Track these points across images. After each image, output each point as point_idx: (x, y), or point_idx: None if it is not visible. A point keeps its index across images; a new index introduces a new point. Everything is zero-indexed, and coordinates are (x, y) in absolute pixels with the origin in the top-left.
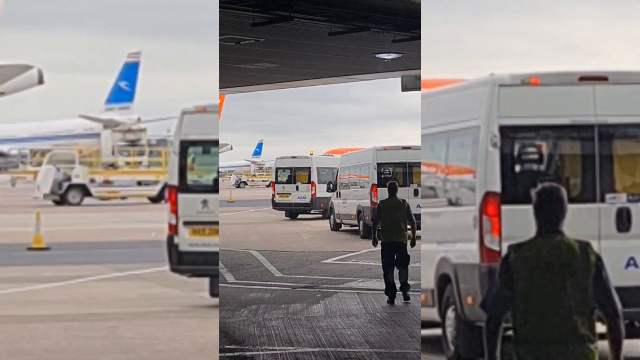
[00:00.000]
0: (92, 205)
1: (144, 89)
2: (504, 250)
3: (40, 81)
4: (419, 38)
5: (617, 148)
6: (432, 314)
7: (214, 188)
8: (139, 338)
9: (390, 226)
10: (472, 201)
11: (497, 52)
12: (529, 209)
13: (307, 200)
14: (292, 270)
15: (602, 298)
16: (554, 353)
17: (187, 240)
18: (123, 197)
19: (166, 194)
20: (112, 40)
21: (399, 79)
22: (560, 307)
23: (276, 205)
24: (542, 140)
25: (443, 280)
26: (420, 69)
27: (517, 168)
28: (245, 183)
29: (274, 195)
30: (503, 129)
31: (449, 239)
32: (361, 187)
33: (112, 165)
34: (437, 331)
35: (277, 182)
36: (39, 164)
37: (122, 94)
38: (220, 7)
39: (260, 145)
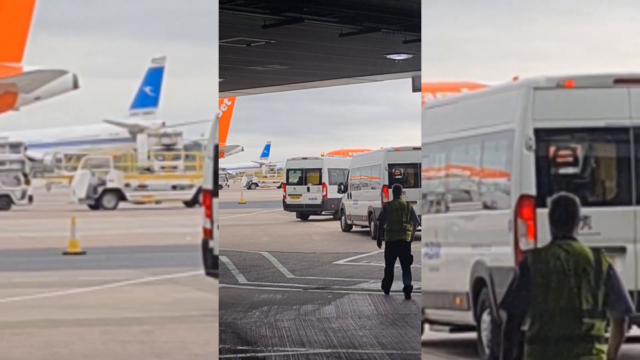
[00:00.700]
0: (127, 210)
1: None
2: None
3: (76, 86)
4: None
5: None
6: (467, 317)
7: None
8: (174, 342)
9: (394, 226)
10: (507, 204)
11: (531, 54)
12: None
13: (318, 201)
14: (304, 272)
15: (613, 302)
16: (565, 352)
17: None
18: (158, 201)
19: (201, 198)
20: (147, 44)
21: (410, 79)
22: (573, 309)
23: (287, 207)
24: (577, 143)
25: (478, 284)
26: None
27: (553, 171)
28: (256, 184)
29: (284, 197)
30: (538, 132)
31: (484, 243)
32: (372, 188)
33: (148, 170)
34: (470, 335)
35: (288, 183)
36: (74, 168)
37: (146, 99)
38: (230, 9)
39: (268, 147)
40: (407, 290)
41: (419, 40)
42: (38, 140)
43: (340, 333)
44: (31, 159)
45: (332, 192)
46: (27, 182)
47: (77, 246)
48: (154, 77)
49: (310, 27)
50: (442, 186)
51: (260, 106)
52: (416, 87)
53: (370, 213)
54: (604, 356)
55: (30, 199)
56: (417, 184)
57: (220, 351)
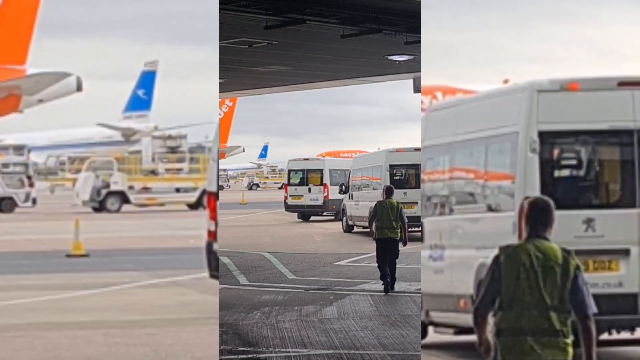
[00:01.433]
0: (130, 212)
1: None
2: None
3: (79, 88)
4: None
5: None
6: (471, 320)
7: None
8: (178, 345)
9: (384, 224)
10: (511, 207)
11: (534, 57)
12: (568, 214)
13: (320, 202)
14: (305, 273)
15: (577, 301)
16: (531, 344)
17: None
18: (161, 204)
19: (205, 200)
20: (149, 47)
21: (411, 80)
22: (539, 304)
23: (288, 207)
24: (581, 146)
25: None
26: (432, 71)
27: (557, 173)
28: (258, 185)
29: (286, 197)
30: (542, 135)
31: (488, 245)
32: (373, 189)
33: (153, 172)
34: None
35: (289, 184)
36: (78, 171)
37: (139, 102)
38: (232, 10)
39: (265, 148)
40: (392, 280)
41: (420, 41)
42: (31, 143)
43: (341, 334)
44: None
45: (334, 193)
46: (31, 185)
47: (80, 249)
48: (147, 80)
49: (312, 29)
50: (446, 188)
51: (261, 107)
52: (417, 88)
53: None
54: (570, 349)
55: (34, 201)
56: (418, 185)
57: (222, 352)
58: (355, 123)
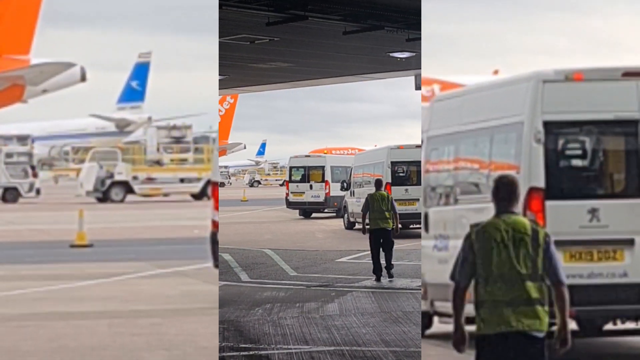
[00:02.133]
0: (134, 203)
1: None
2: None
3: (83, 79)
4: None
5: None
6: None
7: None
8: (182, 335)
9: (376, 215)
10: None
11: (538, 48)
12: (573, 204)
13: (321, 199)
14: (307, 269)
15: (550, 269)
16: (509, 313)
17: None
18: (166, 194)
19: (209, 190)
20: (153, 38)
21: (413, 77)
22: (514, 275)
23: (290, 204)
24: (586, 136)
25: None
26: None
27: (561, 163)
28: (259, 182)
29: (287, 194)
30: (547, 125)
31: None
32: None
33: (157, 162)
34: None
35: (290, 181)
36: (82, 161)
37: (133, 94)
38: (235, 6)
39: (263, 145)
40: (389, 268)
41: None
42: (27, 133)
43: (343, 330)
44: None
45: (335, 190)
46: (35, 175)
47: (84, 239)
48: (141, 71)
49: (314, 25)
50: (451, 179)
51: (262, 104)
52: (419, 86)
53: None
54: (546, 317)
55: (38, 191)
56: (419, 182)
57: (223, 349)
58: (356, 120)
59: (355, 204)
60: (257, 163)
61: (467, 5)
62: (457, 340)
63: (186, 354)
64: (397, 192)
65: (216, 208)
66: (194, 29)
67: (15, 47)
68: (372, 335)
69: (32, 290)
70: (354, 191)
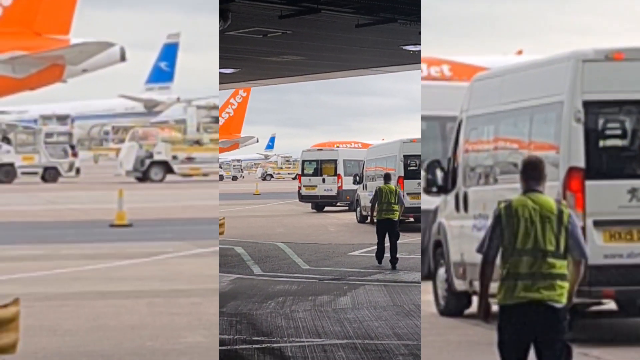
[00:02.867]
0: (174, 182)
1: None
2: (588, 226)
3: (123, 58)
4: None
5: None
6: None
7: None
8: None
9: (384, 207)
10: (555, 177)
11: (578, 28)
12: (613, 184)
13: (334, 192)
14: (319, 263)
15: (574, 247)
16: (530, 287)
17: None
18: (205, 174)
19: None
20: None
21: None
22: (539, 250)
23: (302, 198)
24: (626, 116)
25: None
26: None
27: (601, 143)
28: (272, 176)
29: (300, 188)
30: (587, 105)
31: None
32: None
33: (197, 142)
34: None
35: (303, 174)
36: (122, 141)
37: (161, 74)
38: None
39: (272, 139)
40: (393, 262)
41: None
42: (65, 113)
43: (356, 324)
44: (24, 134)
45: (348, 184)
46: (75, 155)
47: (124, 218)
48: (169, 52)
49: (326, 18)
50: (490, 158)
51: (274, 98)
52: None
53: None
54: (565, 292)
55: (78, 171)
56: None
57: (236, 342)
58: (368, 114)
59: (367, 197)
60: (266, 157)
61: None
62: (483, 310)
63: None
64: (410, 185)
65: None
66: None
67: (55, 27)
68: (384, 329)
69: (72, 270)
70: (366, 185)
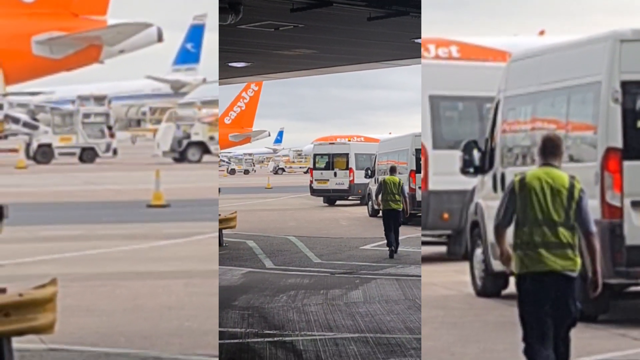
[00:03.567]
0: (211, 163)
1: None
2: (626, 206)
3: (160, 39)
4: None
5: None
6: None
7: None
8: None
9: (388, 197)
10: (593, 157)
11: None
12: None
13: (345, 186)
14: (331, 256)
15: (581, 219)
16: (544, 254)
17: None
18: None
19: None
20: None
21: None
22: (550, 221)
23: (314, 192)
24: None
25: None
26: None
27: (639, 124)
28: (283, 169)
29: (311, 182)
30: (625, 85)
31: None
32: (399, 174)
33: None
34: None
35: (315, 168)
36: (159, 121)
37: (188, 56)
38: None
39: (281, 133)
40: (395, 246)
41: None
42: (103, 94)
43: (367, 318)
44: (62, 114)
45: (359, 177)
46: (112, 135)
47: (161, 199)
48: (196, 34)
49: (338, 11)
50: (528, 139)
51: (286, 91)
52: None
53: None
54: (578, 260)
55: (115, 151)
56: None
57: (247, 335)
58: (380, 107)
59: None
60: (275, 151)
61: None
62: (504, 259)
63: None
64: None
65: None
66: None
67: (92, 8)
68: (396, 323)
69: (110, 250)
70: (378, 178)
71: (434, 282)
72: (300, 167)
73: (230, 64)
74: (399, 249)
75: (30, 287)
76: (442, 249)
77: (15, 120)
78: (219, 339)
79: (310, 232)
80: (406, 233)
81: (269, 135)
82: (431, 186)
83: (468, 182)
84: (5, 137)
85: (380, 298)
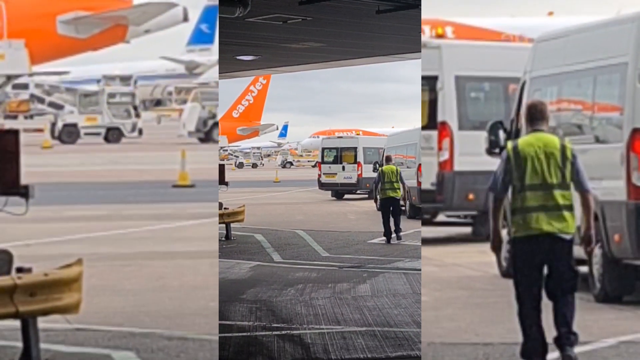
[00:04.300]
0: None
1: None
2: None
3: (185, 19)
4: None
5: None
6: (578, 251)
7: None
8: None
9: (387, 186)
10: (619, 138)
11: None
12: None
13: (353, 180)
14: (339, 250)
15: (577, 178)
16: (540, 217)
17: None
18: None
19: None
20: None
21: None
22: (544, 183)
23: (322, 186)
24: None
25: None
26: None
27: None
28: (291, 163)
29: (320, 176)
30: None
31: (595, 176)
32: (407, 168)
33: None
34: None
35: (323, 162)
36: (184, 101)
37: (202, 36)
38: None
39: (285, 127)
40: (397, 232)
41: None
42: (98, 75)
43: (375, 311)
44: (87, 94)
45: (367, 171)
46: (137, 115)
47: (186, 179)
48: (210, 14)
49: (347, 4)
50: (553, 120)
51: (294, 85)
52: None
53: (405, 192)
54: (573, 221)
55: (140, 131)
56: None
57: (255, 328)
58: (389, 101)
59: None
60: (279, 145)
61: None
62: (494, 243)
63: None
64: None
65: None
66: None
67: None
68: (404, 317)
69: (135, 230)
70: None
71: (458, 263)
72: (309, 161)
73: (238, 57)
74: (404, 243)
75: (55, 266)
76: (467, 229)
77: (41, 100)
78: (227, 332)
79: (318, 226)
80: (414, 227)
81: (277, 128)
82: (457, 167)
83: (494, 163)
84: (31, 116)
85: (387, 292)
